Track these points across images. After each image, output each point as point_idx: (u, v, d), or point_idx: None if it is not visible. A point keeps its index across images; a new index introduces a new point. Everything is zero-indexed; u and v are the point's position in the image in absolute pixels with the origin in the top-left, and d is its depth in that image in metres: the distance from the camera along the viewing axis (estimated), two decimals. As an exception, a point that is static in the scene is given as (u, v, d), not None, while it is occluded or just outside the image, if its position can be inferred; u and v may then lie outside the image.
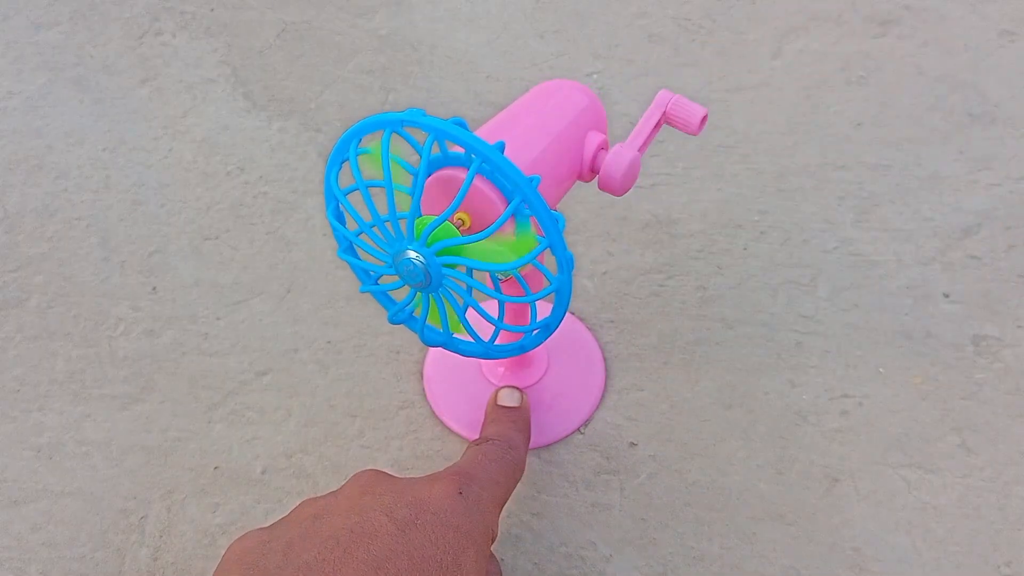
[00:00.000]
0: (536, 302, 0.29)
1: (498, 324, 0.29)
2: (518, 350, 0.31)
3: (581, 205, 0.49)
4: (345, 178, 0.28)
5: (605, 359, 0.44)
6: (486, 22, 0.60)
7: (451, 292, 0.28)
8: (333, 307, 0.46)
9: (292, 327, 0.46)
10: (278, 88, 0.57)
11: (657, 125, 0.31)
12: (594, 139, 0.31)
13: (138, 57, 0.59)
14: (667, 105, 0.31)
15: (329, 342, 0.45)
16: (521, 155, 0.28)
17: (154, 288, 0.47)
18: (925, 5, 0.60)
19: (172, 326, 0.46)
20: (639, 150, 0.31)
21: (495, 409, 0.38)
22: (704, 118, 0.32)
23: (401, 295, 0.30)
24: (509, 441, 0.35)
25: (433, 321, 0.30)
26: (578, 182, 0.33)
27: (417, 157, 0.26)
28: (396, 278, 0.29)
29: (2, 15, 0.62)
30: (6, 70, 0.58)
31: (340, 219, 0.30)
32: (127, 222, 0.50)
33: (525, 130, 0.30)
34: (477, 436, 0.36)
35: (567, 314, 0.45)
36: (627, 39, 0.59)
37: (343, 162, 0.28)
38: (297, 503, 0.31)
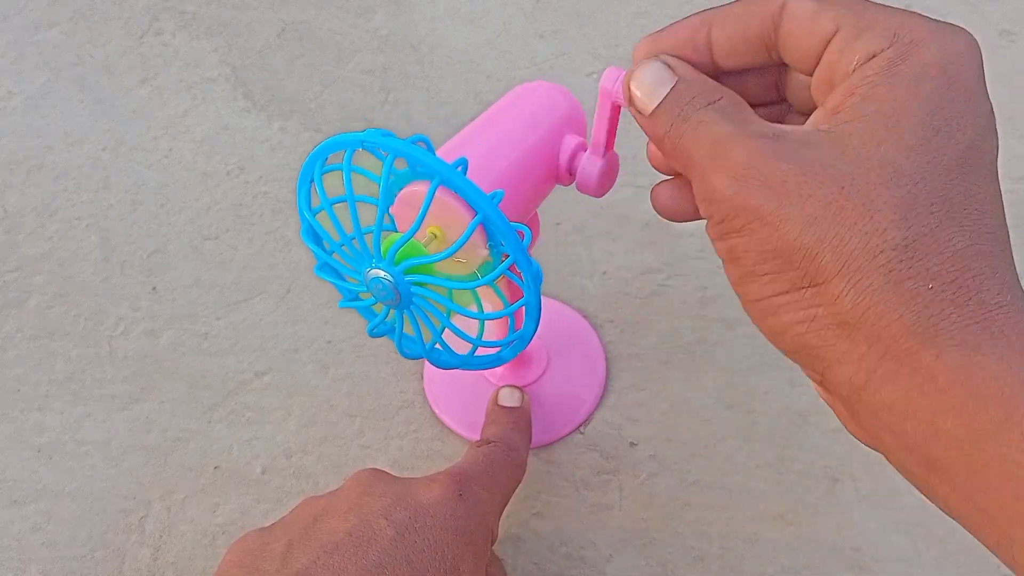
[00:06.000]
0: (511, 314, 0.29)
1: (475, 342, 0.29)
2: (496, 361, 0.31)
3: (581, 205, 0.49)
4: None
5: (606, 359, 0.44)
6: (486, 22, 0.60)
7: (423, 310, 0.28)
8: (333, 307, 0.46)
9: (292, 327, 0.46)
10: (278, 88, 0.57)
11: (612, 116, 0.28)
12: (571, 142, 0.30)
13: (138, 57, 0.59)
14: (614, 87, 0.26)
15: (329, 342, 0.45)
16: (489, 167, 0.28)
17: (154, 288, 0.47)
18: (925, 5, 0.60)
19: (172, 326, 0.46)
20: (604, 155, 0.29)
21: (495, 409, 0.38)
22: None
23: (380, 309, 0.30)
24: (510, 443, 0.35)
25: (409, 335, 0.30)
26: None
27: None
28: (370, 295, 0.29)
29: (2, 15, 0.62)
30: (6, 70, 0.58)
31: (314, 239, 0.30)
32: (127, 222, 0.50)
33: (495, 139, 0.30)
34: (477, 436, 0.37)
35: (569, 310, 0.45)
36: (627, 39, 0.59)
37: (312, 183, 0.28)
38: (298, 502, 0.31)
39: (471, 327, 0.29)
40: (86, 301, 0.47)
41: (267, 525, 0.30)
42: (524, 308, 0.27)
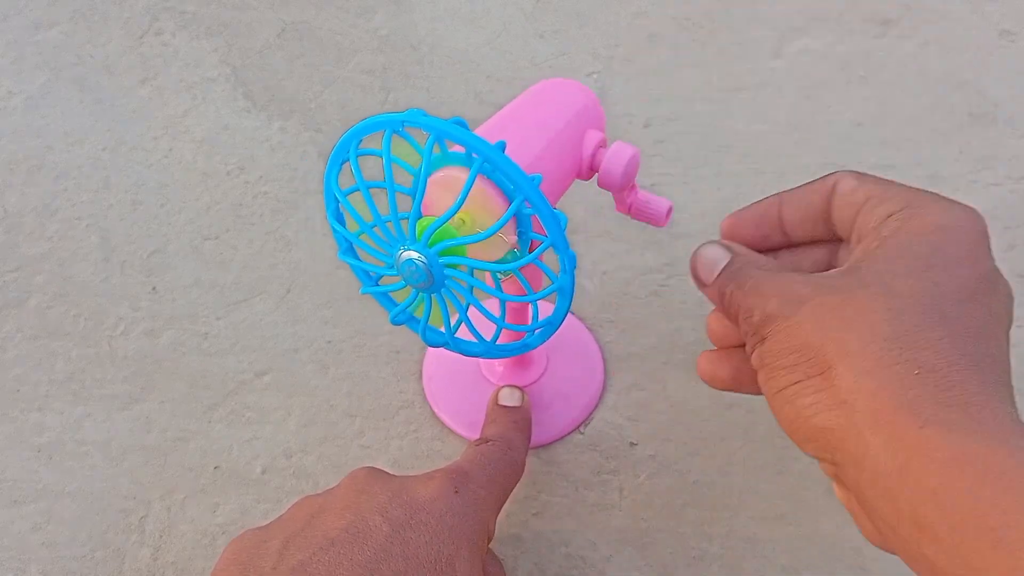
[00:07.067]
0: (535, 301, 0.29)
1: (500, 323, 0.29)
2: (521, 349, 0.31)
3: (581, 205, 0.49)
4: (345, 179, 0.28)
5: (605, 359, 0.44)
6: (486, 22, 0.60)
7: (453, 292, 0.28)
8: (333, 307, 0.46)
9: (292, 327, 0.46)
10: (278, 88, 0.57)
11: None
12: (593, 137, 0.31)
13: (138, 57, 0.59)
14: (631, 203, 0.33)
15: (329, 342, 0.45)
16: (521, 154, 0.28)
17: (154, 288, 0.47)
18: (925, 5, 0.60)
19: (172, 326, 0.46)
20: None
21: (495, 409, 0.38)
22: (670, 210, 0.33)
23: (402, 296, 0.31)
24: (509, 442, 0.35)
25: (435, 322, 0.30)
26: (576, 181, 0.33)
27: (417, 157, 0.26)
28: (397, 279, 0.29)
29: (2, 15, 0.62)
30: (6, 70, 0.58)
31: (340, 220, 0.30)
32: (127, 222, 0.50)
33: (524, 129, 0.30)
34: (477, 436, 0.36)
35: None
36: (627, 39, 0.59)
37: (343, 163, 0.28)
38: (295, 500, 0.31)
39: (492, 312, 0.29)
40: (86, 301, 0.47)
41: (265, 524, 0.30)
42: (556, 293, 0.28)
